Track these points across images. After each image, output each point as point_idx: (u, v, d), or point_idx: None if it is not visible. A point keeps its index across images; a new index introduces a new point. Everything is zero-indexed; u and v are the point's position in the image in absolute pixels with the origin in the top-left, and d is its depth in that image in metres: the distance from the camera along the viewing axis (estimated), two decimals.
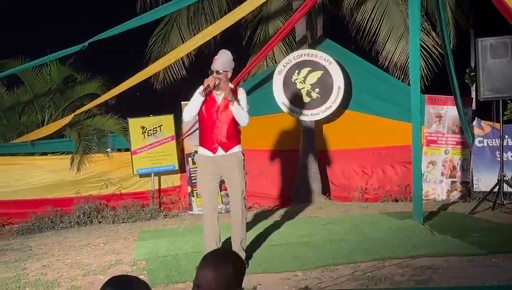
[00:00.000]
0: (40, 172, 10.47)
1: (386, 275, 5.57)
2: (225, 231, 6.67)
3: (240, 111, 6.23)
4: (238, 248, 6.24)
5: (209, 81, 6.12)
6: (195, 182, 10.36)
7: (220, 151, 6.25)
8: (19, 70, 10.56)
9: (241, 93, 6.38)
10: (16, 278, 6.28)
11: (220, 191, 6.58)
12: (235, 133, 6.37)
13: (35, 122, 11.04)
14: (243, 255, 6.23)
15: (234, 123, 6.33)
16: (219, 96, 6.27)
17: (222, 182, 6.48)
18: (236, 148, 6.33)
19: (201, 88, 6.18)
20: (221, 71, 6.17)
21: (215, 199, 6.34)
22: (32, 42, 12.58)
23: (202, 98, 6.19)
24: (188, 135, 10.61)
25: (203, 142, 6.37)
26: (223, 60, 6.25)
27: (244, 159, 6.35)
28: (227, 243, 6.72)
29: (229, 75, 6.34)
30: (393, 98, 10.70)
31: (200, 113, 6.30)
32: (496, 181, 9.07)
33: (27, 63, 10.44)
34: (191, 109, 6.28)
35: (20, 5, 14.96)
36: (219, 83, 6.15)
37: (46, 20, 14.96)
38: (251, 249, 6.64)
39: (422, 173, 9.44)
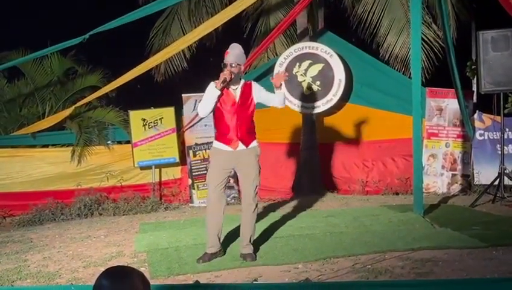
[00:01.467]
0: (40, 164, 10.48)
1: (387, 268, 5.58)
2: (227, 224, 6.68)
3: (283, 97, 6.51)
4: (246, 242, 6.25)
5: (225, 74, 6.05)
6: (196, 175, 10.41)
7: (241, 146, 6.23)
8: (20, 62, 10.56)
9: (257, 86, 6.39)
10: (17, 270, 6.29)
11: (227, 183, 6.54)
12: (253, 127, 6.36)
13: (36, 114, 11.04)
14: (250, 248, 6.24)
15: (252, 117, 6.32)
16: (236, 92, 6.23)
17: (231, 175, 6.46)
18: (255, 143, 6.33)
19: (214, 83, 6.11)
20: (234, 64, 6.15)
21: (222, 191, 6.30)
22: (32, 34, 12.55)
23: (218, 93, 6.12)
24: (188, 128, 10.61)
25: (221, 138, 6.29)
26: (236, 53, 6.22)
27: (260, 154, 6.35)
28: (230, 236, 6.74)
29: (243, 68, 6.34)
30: (394, 91, 10.69)
31: (216, 109, 6.24)
32: (497, 174, 9.08)
33: (28, 55, 10.44)
34: (208, 104, 6.19)
35: None
36: (234, 76, 6.13)
37: (46, 12, 14.93)
38: (253, 242, 6.65)
39: (423, 166, 9.45)
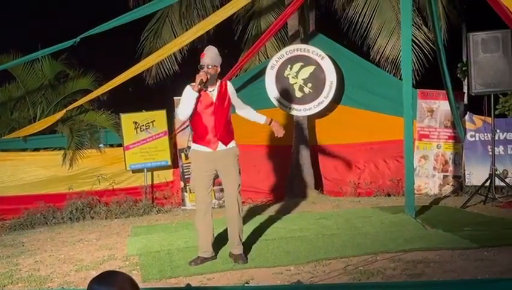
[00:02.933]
0: (32, 168, 10.45)
1: (378, 269, 5.59)
2: (218, 226, 6.69)
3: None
4: (236, 241, 6.26)
5: (201, 76, 6.11)
6: (188, 178, 10.39)
7: (221, 146, 6.26)
8: (11, 65, 10.50)
9: (231, 88, 6.43)
10: (9, 274, 6.27)
11: (213, 186, 6.56)
12: (231, 127, 6.40)
13: (27, 118, 11.01)
14: (241, 248, 6.26)
15: (229, 117, 6.37)
16: (213, 93, 6.26)
17: (216, 177, 6.47)
18: (233, 143, 6.36)
19: (190, 86, 6.16)
20: (210, 66, 6.19)
21: (209, 195, 6.33)
22: (23, 37, 12.53)
23: (196, 94, 6.16)
24: (180, 131, 10.60)
25: (200, 140, 6.31)
26: (212, 55, 6.26)
27: (238, 154, 6.39)
28: (221, 238, 6.74)
29: (218, 70, 6.35)
30: (385, 92, 10.72)
31: (194, 111, 6.25)
32: (488, 175, 9.12)
33: (19, 59, 10.39)
34: (187, 107, 6.21)
35: (12, 1, 14.90)
36: (210, 78, 6.17)
37: (38, 14, 14.91)
38: (243, 243, 6.65)
39: (415, 167, 9.47)
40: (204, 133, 6.28)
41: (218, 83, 6.33)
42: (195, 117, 6.32)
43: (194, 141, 6.42)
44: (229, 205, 6.34)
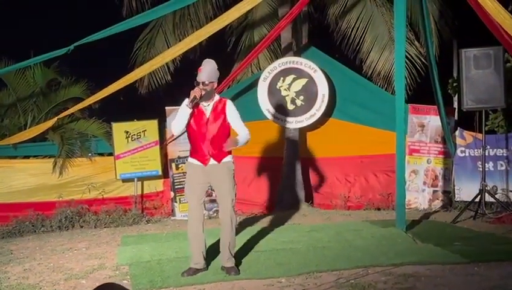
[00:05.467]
0: (21, 175, 10.39)
1: (370, 283, 5.59)
2: (209, 237, 6.67)
3: (243, 141, 6.31)
4: (227, 255, 6.23)
5: (196, 92, 6.09)
6: (178, 188, 10.37)
7: (212, 162, 6.24)
8: (2, 73, 10.47)
9: (231, 108, 6.32)
10: None
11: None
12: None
13: (17, 125, 10.95)
14: (232, 262, 6.24)
15: (224, 134, 6.29)
16: (207, 108, 6.23)
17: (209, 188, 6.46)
18: (228, 158, 6.30)
19: (187, 100, 6.13)
20: (207, 82, 6.16)
21: (201, 206, 6.32)
22: (15, 44, 12.49)
23: (190, 110, 6.14)
24: (171, 141, 10.59)
25: (194, 154, 6.31)
26: (208, 70, 6.21)
27: (234, 168, 6.34)
28: (212, 249, 6.72)
29: (215, 85, 6.32)
30: (376, 106, 10.77)
31: (189, 125, 6.24)
32: (477, 191, 9.17)
33: (10, 66, 10.37)
34: (180, 122, 6.21)
35: (3, 7, 14.85)
36: (206, 94, 6.15)
37: (29, 22, 14.88)
38: (234, 255, 6.63)
39: (405, 181, 9.48)
40: (198, 147, 6.27)
41: (216, 99, 6.29)
42: (189, 131, 6.31)
43: (190, 154, 6.40)
44: (222, 219, 6.32)
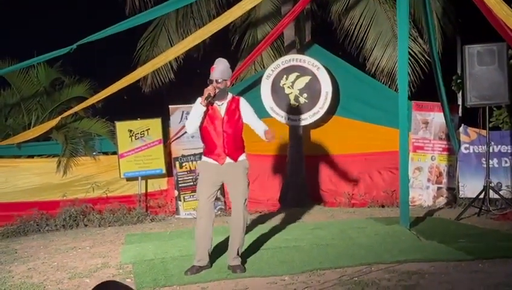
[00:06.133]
0: (26, 175, 10.40)
1: (373, 280, 5.59)
2: (213, 236, 6.66)
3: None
4: (234, 254, 6.23)
5: (209, 90, 6.07)
6: (182, 186, 10.39)
7: (228, 160, 6.24)
8: (6, 72, 10.47)
9: (246, 105, 6.32)
10: (1, 281, 6.23)
11: None
12: (240, 142, 6.34)
13: (21, 124, 10.96)
14: (238, 260, 6.23)
15: (239, 132, 6.30)
16: (221, 107, 6.23)
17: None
18: (243, 156, 6.31)
19: (200, 99, 6.11)
20: (220, 80, 6.16)
21: (212, 204, 6.31)
22: (19, 44, 12.51)
23: (204, 109, 6.14)
24: (175, 139, 10.59)
25: (208, 153, 6.29)
26: (222, 69, 6.21)
27: (248, 167, 6.34)
28: (216, 248, 6.72)
29: (228, 83, 6.31)
30: (380, 104, 10.76)
31: (203, 125, 6.24)
32: (482, 187, 9.14)
33: (14, 65, 10.37)
34: (194, 121, 6.21)
35: (8, 7, 14.87)
36: (219, 92, 6.14)
37: (33, 22, 14.89)
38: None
39: (409, 178, 9.47)
40: (213, 147, 6.25)
41: (229, 97, 6.29)
42: (204, 131, 6.29)
43: (204, 154, 6.37)
44: (234, 217, 6.31)
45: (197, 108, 6.15)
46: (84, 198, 10.34)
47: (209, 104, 6.16)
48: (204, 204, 6.25)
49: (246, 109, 6.31)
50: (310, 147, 11.03)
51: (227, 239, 6.50)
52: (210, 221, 6.24)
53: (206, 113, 6.19)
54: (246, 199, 6.26)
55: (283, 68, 10.79)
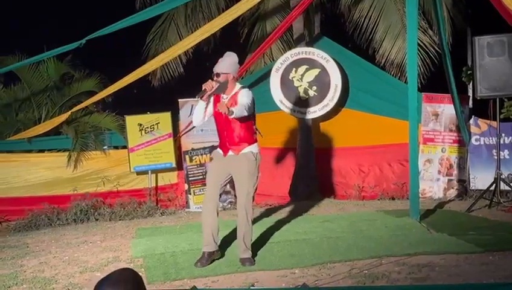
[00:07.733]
0: (36, 169, 10.46)
1: (383, 273, 5.58)
2: (223, 229, 6.70)
3: (242, 112, 6.08)
4: (243, 247, 6.24)
5: (206, 85, 6.15)
6: (193, 180, 10.41)
7: (231, 153, 6.31)
8: (16, 67, 10.52)
9: (241, 93, 6.26)
10: (13, 275, 6.26)
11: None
12: (246, 134, 6.31)
13: (32, 119, 11.01)
14: (248, 253, 6.24)
15: (243, 124, 6.27)
16: (225, 101, 6.25)
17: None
18: (247, 149, 6.30)
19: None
20: (219, 73, 6.18)
21: (217, 191, 6.34)
22: (29, 39, 12.54)
23: (203, 102, 6.26)
24: (185, 133, 10.61)
25: (219, 144, 6.52)
26: (224, 62, 6.27)
27: (256, 159, 6.32)
28: (226, 241, 6.74)
29: (231, 77, 6.27)
30: (390, 96, 10.72)
31: (213, 116, 6.40)
32: (493, 179, 9.10)
33: (24, 60, 10.41)
34: (195, 113, 6.41)
35: (19, 2, 14.92)
36: (218, 86, 6.16)
37: (44, 17, 14.93)
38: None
39: (419, 171, 9.45)
40: (220, 138, 6.47)
41: (236, 90, 6.30)
42: (215, 123, 6.47)
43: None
44: (238, 211, 6.36)
45: (199, 102, 6.30)
46: (95, 192, 10.39)
47: (210, 96, 6.25)
48: (209, 193, 6.36)
49: (240, 98, 6.23)
50: (320, 140, 11.02)
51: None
52: (214, 206, 6.27)
53: (206, 106, 6.31)
54: (249, 192, 6.25)
55: (292, 61, 10.77)
